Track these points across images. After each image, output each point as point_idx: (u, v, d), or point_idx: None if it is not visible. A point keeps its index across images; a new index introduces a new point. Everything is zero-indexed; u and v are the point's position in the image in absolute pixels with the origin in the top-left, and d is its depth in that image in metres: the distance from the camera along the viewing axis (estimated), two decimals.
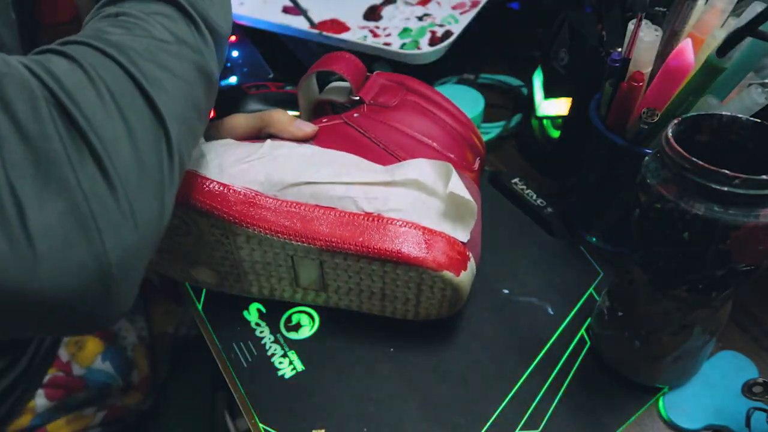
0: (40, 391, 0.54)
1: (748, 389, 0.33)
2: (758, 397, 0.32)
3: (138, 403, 0.63)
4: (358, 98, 0.42)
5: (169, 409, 0.69)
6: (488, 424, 0.37)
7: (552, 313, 0.43)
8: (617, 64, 0.40)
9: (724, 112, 0.31)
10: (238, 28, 0.67)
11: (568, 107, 0.51)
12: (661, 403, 0.37)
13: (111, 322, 0.26)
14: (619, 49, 0.41)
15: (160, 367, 0.68)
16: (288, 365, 0.40)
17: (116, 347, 0.61)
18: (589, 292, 0.44)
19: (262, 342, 0.41)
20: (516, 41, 0.72)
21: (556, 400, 0.38)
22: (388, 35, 0.62)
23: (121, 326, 0.63)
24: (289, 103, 0.51)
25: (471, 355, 0.40)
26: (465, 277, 0.36)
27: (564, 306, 0.43)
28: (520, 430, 0.36)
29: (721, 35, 0.34)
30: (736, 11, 0.36)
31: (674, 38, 0.38)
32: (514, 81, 0.66)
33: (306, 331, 0.42)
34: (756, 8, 0.33)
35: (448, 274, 0.35)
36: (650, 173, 0.30)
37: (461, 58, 0.68)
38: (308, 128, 0.41)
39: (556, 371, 0.39)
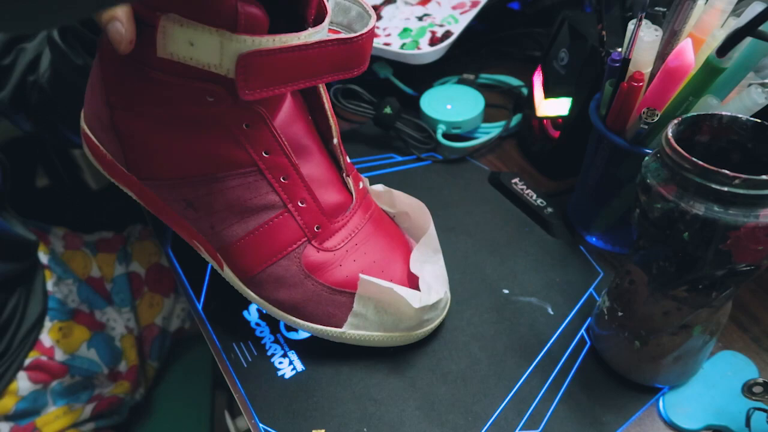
0: (23, 374, 0.54)
1: (748, 389, 0.33)
2: (758, 397, 0.32)
3: (127, 393, 0.64)
4: None
5: (168, 408, 0.69)
6: (488, 424, 0.37)
7: (552, 313, 0.43)
8: (617, 64, 0.40)
9: (724, 112, 0.31)
10: None
11: (568, 107, 0.51)
12: (661, 403, 0.37)
13: None
14: (619, 49, 0.41)
15: (149, 358, 0.69)
16: (288, 365, 0.40)
17: (103, 336, 0.62)
18: (589, 292, 0.44)
19: (262, 342, 0.41)
20: (516, 41, 0.72)
21: (556, 400, 0.38)
22: (388, 35, 0.62)
23: (110, 316, 0.64)
24: None
25: (471, 355, 0.40)
26: None
27: (564, 306, 0.43)
28: (520, 430, 0.36)
29: (721, 35, 0.34)
30: (736, 11, 0.36)
31: (674, 38, 0.38)
32: (514, 81, 0.66)
33: (306, 331, 0.42)
34: (756, 8, 0.33)
35: None
36: (650, 173, 0.30)
37: (461, 58, 0.68)
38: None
39: (556, 371, 0.39)
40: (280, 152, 0.35)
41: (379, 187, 0.44)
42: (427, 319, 0.39)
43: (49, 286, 0.60)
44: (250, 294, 0.39)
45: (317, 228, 0.37)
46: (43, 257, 0.61)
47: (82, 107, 0.38)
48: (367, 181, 0.42)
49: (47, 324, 0.57)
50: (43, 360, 0.56)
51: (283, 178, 0.36)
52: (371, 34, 0.33)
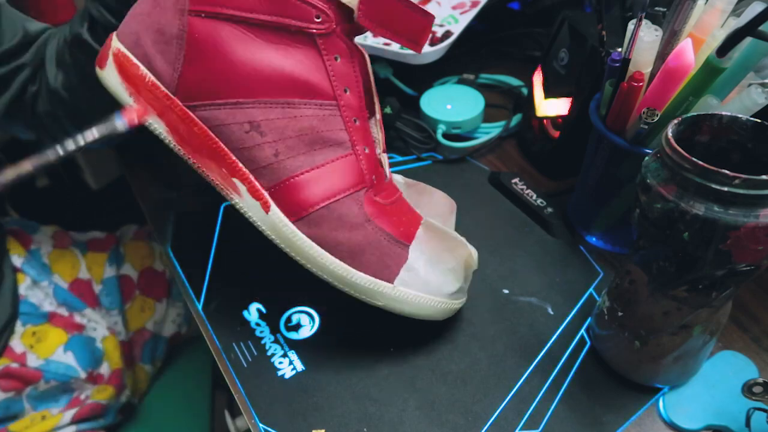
0: None
1: (748, 389, 0.33)
2: (758, 397, 0.32)
3: (111, 399, 0.62)
4: None
5: (168, 408, 0.69)
6: (488, 424, 0.37)
7: (552, 313, 0.43)
8: (617, 64, 0.40)
9: (724, 112, 0.31)
10: None
11: (568, 107, 0.51)
12: (661, 403, 0.37)
13: None
14: (619, 49, 0.41)
15: (140, 361, 0.68)
16: (288, 365, 0.40)
17: (82, 338, 0.60)
18: (589, 292, 0.44)
19: (262, 342, 0.41)
20: (516, 41, 0.72)
21: (556, 400, 0.38)
22: None
23: (90, 318, 0.62)
24: None
25: (471, 355, 0.40)
26: None
27: (564, 306, 0.43)
28: (520, 430, 0.36)
29: (721, 35, 0.34)
30: (736, 11, 0.36)
31: (674, 38, 0.38)
32: (514, 81, 0.66)
33: (306, 331, 0.42)
34: (756, 8, 0.33)
35: None
36: (650, 173, 0.30)
37: (461, 58, 0.68)
38: None
39: (556, 371, 0.39)
40: (358, 93, 0.36)
41: (399, 179, 0.44)
42: (460, 290, 0.39)
43: (21, 290, 0.58)
44: (298, 235, 0.36)
45: (374, 178, 0.38)
46: (17, 260, 0.59)
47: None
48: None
49: (18, 329, 0.56)
50: (14, 367, 0.54)
51: (355, 120, 0.36)
52: (432, 19, 0.37)
